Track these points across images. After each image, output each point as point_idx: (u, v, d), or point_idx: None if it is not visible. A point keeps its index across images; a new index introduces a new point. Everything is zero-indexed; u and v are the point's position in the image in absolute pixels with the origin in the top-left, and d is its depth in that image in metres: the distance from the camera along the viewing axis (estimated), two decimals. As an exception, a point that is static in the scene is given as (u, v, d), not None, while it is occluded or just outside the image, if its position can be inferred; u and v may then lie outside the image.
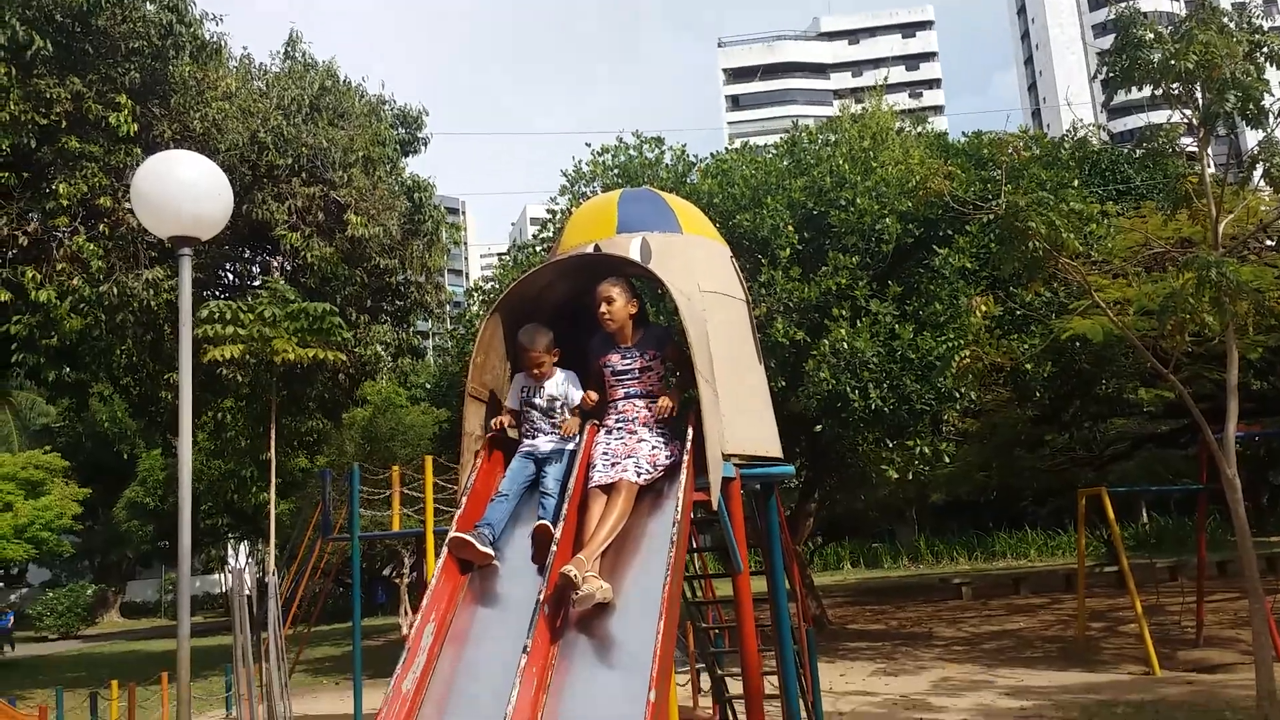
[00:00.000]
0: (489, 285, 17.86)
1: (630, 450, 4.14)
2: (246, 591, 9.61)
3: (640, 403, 4.31)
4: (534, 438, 4.45)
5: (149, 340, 15.49)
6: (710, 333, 4.67)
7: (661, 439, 4.25)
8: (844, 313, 12.48)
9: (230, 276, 19.43)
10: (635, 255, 4.86)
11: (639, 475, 4.04)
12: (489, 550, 3.93)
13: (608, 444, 4.21)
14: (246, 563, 40.35)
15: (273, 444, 11.39)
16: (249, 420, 16.72)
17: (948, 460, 14.22)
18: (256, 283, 18.71)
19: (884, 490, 21.91)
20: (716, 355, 4.65)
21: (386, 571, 32.55)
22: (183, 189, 5.92)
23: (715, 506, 4.10)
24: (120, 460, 39.10)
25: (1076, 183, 13.48)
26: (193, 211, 6.07)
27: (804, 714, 7.75)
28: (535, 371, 4.49)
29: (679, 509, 3.77)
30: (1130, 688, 10.14)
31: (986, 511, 37.60)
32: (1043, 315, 11.84)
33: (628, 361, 4.35)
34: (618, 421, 4.30)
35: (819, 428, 12.99)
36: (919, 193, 9.96)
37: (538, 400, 4.48)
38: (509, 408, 4.53)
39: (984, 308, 8.67)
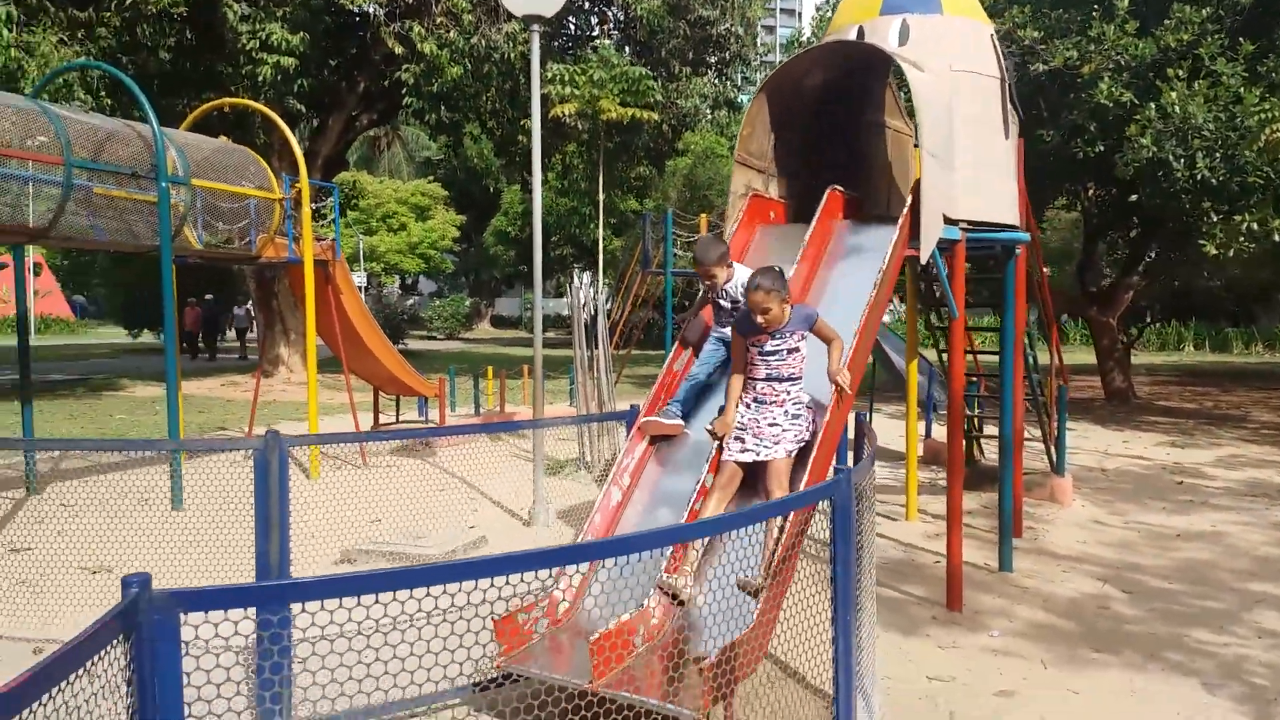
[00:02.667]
0: (806, 36, 17.93)
1: (775, 436, 4.23)
2: (586, 313, 11.77)
3: (780, 386, 4.30)
4: (724, 326, 4.83)
5: (508, 88, 17.79)
6: (955, 110, 5.30)
7: (795, 425, 4.27)
8: (1180, 74, 11.45)
9: (571, 27, 21.12)
10: (894, 37, 5.49)
11: (787, 451, 4.22)
12: (678, 422, 4.71)
13: (745, 419, 4.32)
14: (585, 289, 45.65)
15: (600, 186, 13.19)
16: (587, 164, 18.94)
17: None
18: (594, 32, 20.28)
19: (1235, 270, 20.00)
20: (957, 131, 5.30)
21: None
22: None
23: (924, 261, 4.98)
24: (487, 193, 44.89)
25: None
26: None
27: (1049, 458, 8.61)
28: (708, 282, 4.80)
29: (886, 260, 4.72)
30: None
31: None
32: None
33: (777, 342, 4.30)
34: (755, 400, 4.33)
35: (1135, 197, 12.41)
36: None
37: (723, 301, 4.83)
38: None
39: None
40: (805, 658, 3.25)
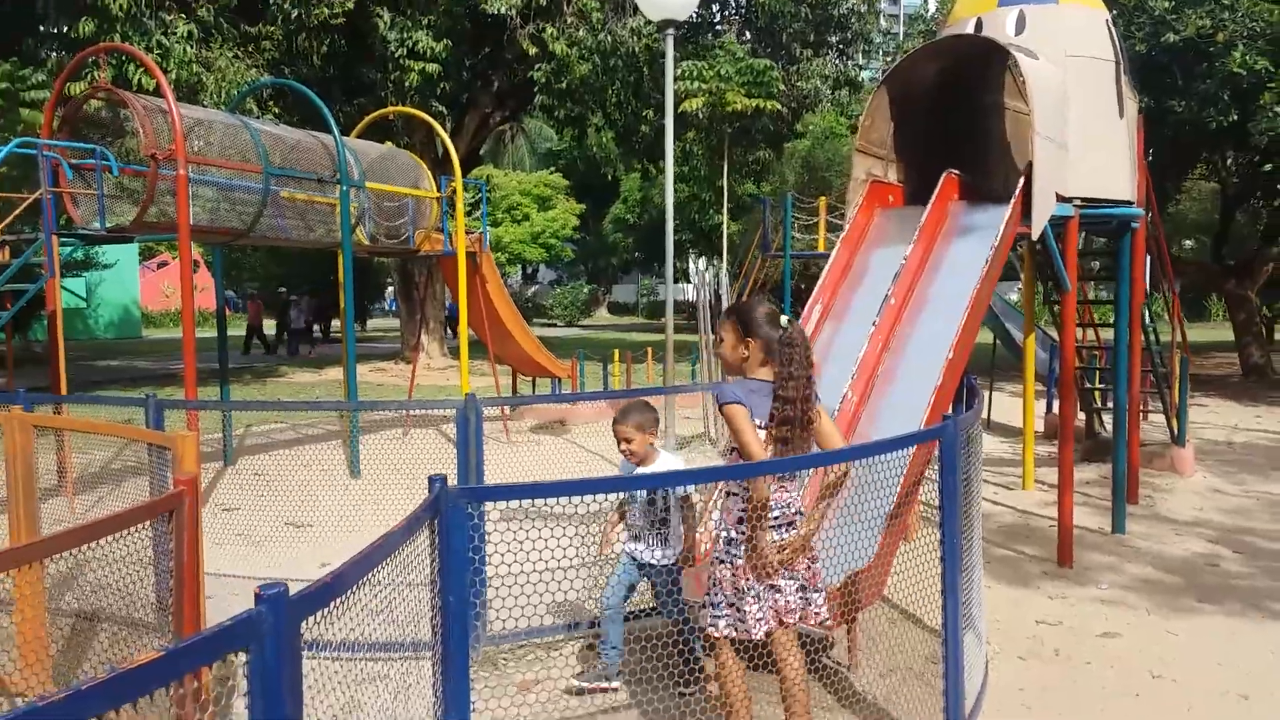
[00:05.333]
0: (930, 14, 17.96)
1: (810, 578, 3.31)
2: (706, 297, 12.38)
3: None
4: (635, 540, 3.98)
5: (633, 80, 18.52)
6: (1069, 94, 5.68)
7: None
8: (1320, 39, 11.16)
9: (694, 15, 21.65)
10: (1010, 28, 5.91)
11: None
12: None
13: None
14: (705, 274, 46.23)
15: (725, 171, 13.76)
16: (707, 151, 19.52)
17: None
18: (716, 19, 20.80)
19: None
20: (1071, 114, 5.69)
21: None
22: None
23: (1035, 237, 5.40)
24: (606, 181, 45.98)
25: None
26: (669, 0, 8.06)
27: (1169, 429, 8.76)
28: (623, 448, 3.97)
29: (998, 237, 5.18)
30: None
31: None
32: None
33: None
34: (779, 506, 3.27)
35: (1268, 167, 12.14)
36: None
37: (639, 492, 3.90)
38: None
39: None
40: (920, 602, 3.72)
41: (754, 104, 12.91)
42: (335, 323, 35.23)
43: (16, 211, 7.58)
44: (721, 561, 3.22)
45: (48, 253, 7.34)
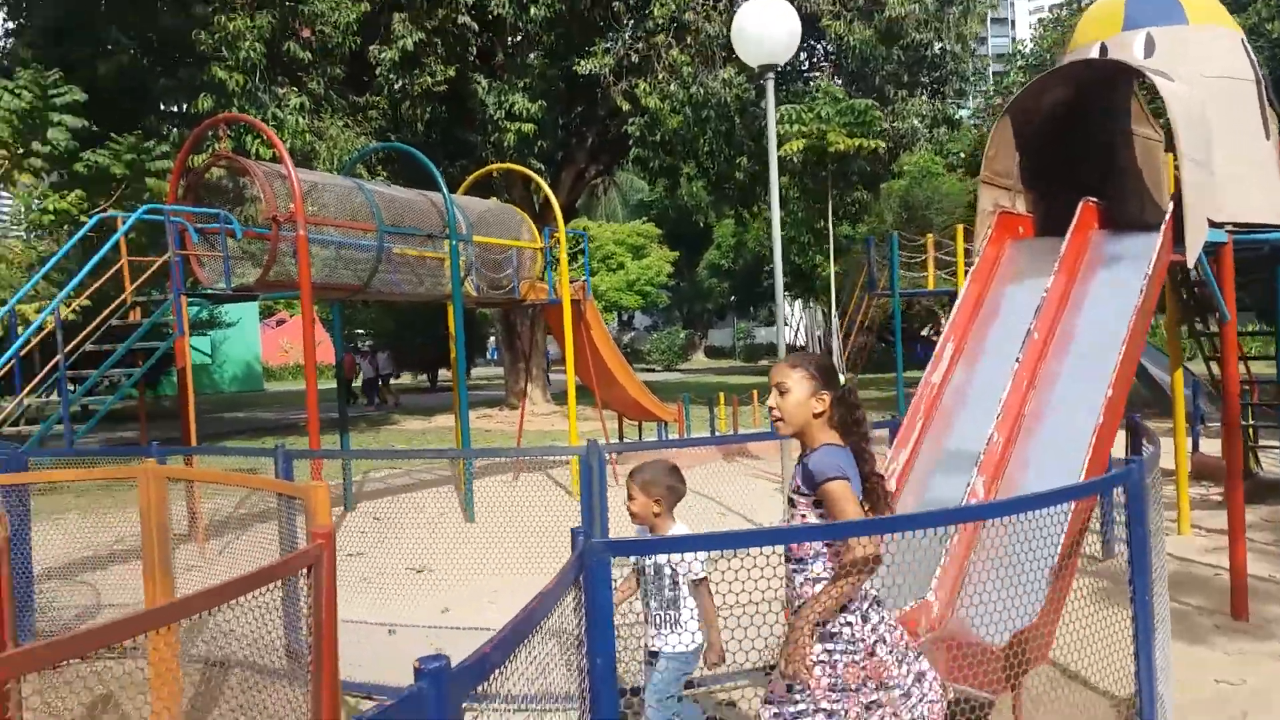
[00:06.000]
0: (1029, 48, 17.51)
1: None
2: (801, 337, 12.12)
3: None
4: (653, 607, 3.44)
5: (724, 130, 18.58)
6: (1212, 115, 5.31)
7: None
8: None
9: (786, 65, 21.69)
10: (1139, 51, 5.59)
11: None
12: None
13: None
14: (803, 316, 45.82)
15: (828, 213, 13.57)
16: (804, 193, 19.35)
17: None
18: (805, 66, 20.76)
19: None
20: (1218, 137, 5.31)
21: (925, 331, 34.79)
22: (765, 27, 7.82)
23: (1190, 265, 5.02)
24: (698, 229, 46.19)
25: None
26: (772, 44, 7.98)
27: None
28: (628, 506, 3.50)
29: (1151, 266, 4.82)
30: None
31: None
32: None
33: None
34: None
35: None
36: None
37: (646, 563, 3.39)
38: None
39: None
40: (1091, 659, 3.39)
41: (856, 144, 12.72)
42: (443, 372, 36.18)
43: (146, 274, 7.96)
44: (822, 663, 2.62)
45: (176, 312, 7.65)
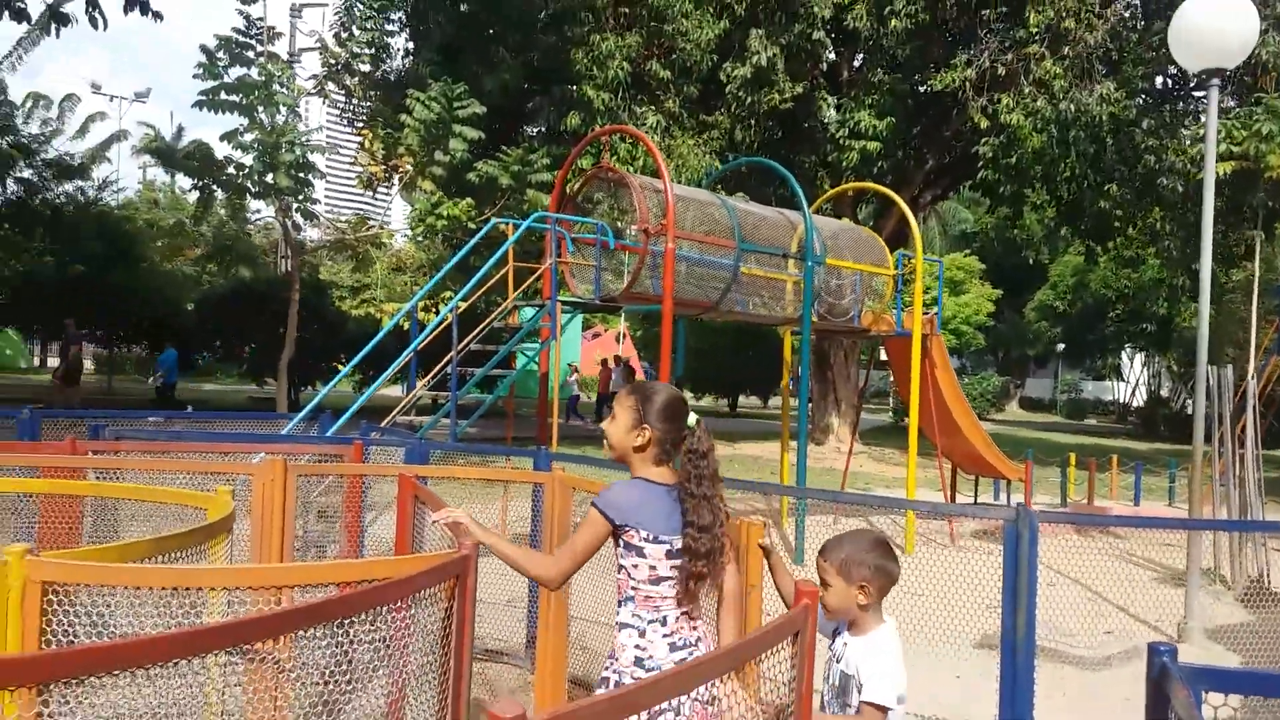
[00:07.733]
0: None
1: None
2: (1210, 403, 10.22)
3: None
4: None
5: (1091, 152, 16.61)
6: None
7: None
8: None
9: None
10: None
11: None
12: None
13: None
14: (1143, 371, 40.66)
15: (1257, 251, 11.46)
16: (1181, 228, 16.88)
17: None
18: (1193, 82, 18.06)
19: None
20: None
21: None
22: (1218, 22, 6.58)
23: None
24: (1025, 265, 42.57)
25: None
26: (1218, 44, 6.73)
27: None
28: (821, 597, 2.58)
29: None
30: None
31: None
32: None
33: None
34: None
35: None
36: None
37: (835, 658, 2.66)
38: None
39: None
40: None
41: (1308, 168, 10.67)
42: (745, 398, 36.24)
43: (529, 280, 8.27)
44: None
45: (550, 319, 7.85)
